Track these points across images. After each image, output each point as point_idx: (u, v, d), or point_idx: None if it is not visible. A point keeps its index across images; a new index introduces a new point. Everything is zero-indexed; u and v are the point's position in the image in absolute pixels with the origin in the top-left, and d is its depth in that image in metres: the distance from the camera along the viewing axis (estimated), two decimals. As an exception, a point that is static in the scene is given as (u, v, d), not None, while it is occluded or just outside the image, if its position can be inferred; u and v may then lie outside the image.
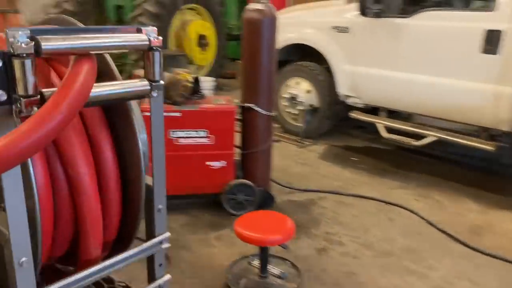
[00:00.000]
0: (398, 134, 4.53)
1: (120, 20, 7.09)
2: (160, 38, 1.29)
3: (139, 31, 1.27)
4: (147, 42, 1.27)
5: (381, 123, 4.62)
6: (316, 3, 5.49)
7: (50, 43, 1.00)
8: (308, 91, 5.19)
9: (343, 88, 4.90)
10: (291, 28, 5.30)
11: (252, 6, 3.31)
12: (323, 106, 5.11)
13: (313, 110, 5.16)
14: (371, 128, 4.96)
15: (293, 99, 5.31)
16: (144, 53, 1.29)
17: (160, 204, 1.43)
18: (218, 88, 7.00)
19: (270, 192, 3.68)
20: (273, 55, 3.41)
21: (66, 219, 1.23)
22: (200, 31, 6.84)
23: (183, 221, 3.44)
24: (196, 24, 6.81)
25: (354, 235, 3.30)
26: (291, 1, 9.66)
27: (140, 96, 1.30)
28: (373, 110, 4.82)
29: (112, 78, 1.29)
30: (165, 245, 1.52)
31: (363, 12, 4.30)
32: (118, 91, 1.21)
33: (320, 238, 3.26)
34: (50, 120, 0.92)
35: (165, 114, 3.22)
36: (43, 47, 0.99)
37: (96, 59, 1.10)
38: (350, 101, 4.90)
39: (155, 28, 1.30)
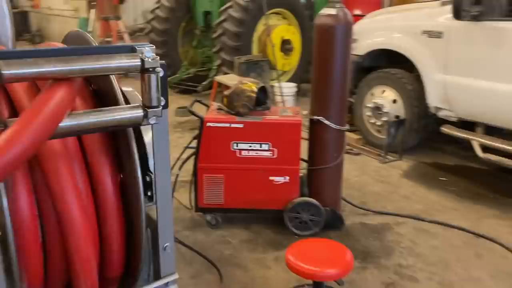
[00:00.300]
0: (497, 154, 3.94)
1: (208, 25, 7.18)
2: (157, 58, 1.12)
3: (133, 50, 1.11)
4: (139, 63, 1.10)
5: (477, 141, 4.05)
6: (406, 5, 5.03)
7: (12, 68, 0.89)
8: (395, 101, 4.75)
9: (434, 99, 4.39)
10: (378, 32, 4.91)
11: (325, 11, 3.05)
12: (411, 118, 4.64)
13: (399, 122, 4.70)
14: (467, 144, 4.39)
15: (377, 109, 4.91)
16: (141, 75, 1.12)
17: (166, 241, 1.26)
18: (301, 94, 6.78)
19: (339, 212, 3.38)
20: (347, 65, 3.11)
21: (57, 258, 1.11)
22: (284, 36, 6.67)
23: (242, 236, 3.28)
24: (280, 29, 6.65)
25: (432, 271, 2.88)
26: (389, 2, 9.10)
27: (131, 124, 1.14)
28: (468, 125, 4.25)
29: (114, 101, 1.15)
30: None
31: (458, 15, 3.78)
32: (100, 119, 1.07)
33: (390, 270, 2.90)
34: (3, 155, 0.80)
35: (227, 125, 3.13)
36: (2, 72, 0.87)
37: (75, 84, 0.96)
38: (441, 114, 4.38)
39: (153, 47, 1.14)
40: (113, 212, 1.17)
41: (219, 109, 3.25)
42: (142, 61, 1.10)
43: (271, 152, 3.15)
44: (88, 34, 1.23)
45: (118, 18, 8.79)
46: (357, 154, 4.91)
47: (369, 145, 5.06)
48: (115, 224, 1.18)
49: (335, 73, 3.09)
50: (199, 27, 7.38)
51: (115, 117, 1.09)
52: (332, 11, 3.00)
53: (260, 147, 3.14)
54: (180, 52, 7.63)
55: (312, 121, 3.21)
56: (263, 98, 3.22)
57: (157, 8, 7.39)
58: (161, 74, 1.13)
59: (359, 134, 5.20)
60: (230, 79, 5.39)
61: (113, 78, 1.17)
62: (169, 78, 7.61)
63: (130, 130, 1.17)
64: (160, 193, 1.20)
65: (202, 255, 3.03)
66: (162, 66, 1.13)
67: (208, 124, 3.12)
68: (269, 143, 3.13)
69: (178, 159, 3.43)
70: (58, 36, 13.17)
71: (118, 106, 1.14)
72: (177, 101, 7.00)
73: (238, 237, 3.27)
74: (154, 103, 1.12)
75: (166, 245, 1.26)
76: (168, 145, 1.19)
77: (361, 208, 3.64)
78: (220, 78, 5.54)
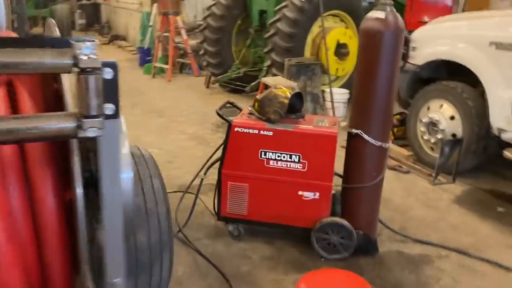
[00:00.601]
0: None
1: (263, 25, 6.98)
2: (95, 57, 0.91)
3: (67, 45, 0.90)
4: (69, 62, 0.90)
5: (546, 170, 3.55)
6: (475, 13, 4.54)
7: None
8: (452, 118, 4.30)
9: (497, 119, 3.92)
10: (439, 40, 4.47)
11: (372, 13, 2.74)
12: (469, 137, 4.17)
13: (455, 141, 4.25)
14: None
15: (433, 124, 4.48)
16: (77, 76, 0.92)
17: (115, 276, 1.05)
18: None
19: (373, 237, 3.05)
20: (394, 76, 2.78)
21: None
22: (340, 40, 6.33)
23: (264, 252, 3.05)
24: (336, 32, 6.31)
25: (473, 319, 2.50)
26: (461, 9, 8.45)
27: (60, 136, 0.94)
28: (536, 151, 3.75)
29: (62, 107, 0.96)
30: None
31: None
32: (13, 128, 0.87)
33: (423, 312, 2.55)
34: None
35: (256, 131, 2.90)
36: None
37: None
38: (505, 136, 3.89)
39: (96, 42, 0.93)
40: (54, 235, 0.99)
41: (251, 113, 3.04)
42: (76, 59, 0.90)
43: (302, 165, 2.89)
44: (62, 27, 1.06)
45: (176, 13, 8.82)
46: (406, 172, 4.51)
47: (420, 163, 4.64)
48: (56, 249, 1.00)
49: (380, 83, 2.77)
50: (253, 26, 7.21)
51: (36, 127, 0.89)
52: (381, 15, 2.69)
53: (290, 158, 2.89)
54: (233, 50, 7.51)
55: (350, 134, 2.91)
56: (298, 105, 2.97)
57: (214, 5, 7.31)
58: (107, 76, 0.92)
59: (411, 150, 4.78)
60: (277, 81, 5.16)
61: (62, 76, 0.99)
62: (219, 77, 7.55)
63: (73, 140, 0.98)
64: (108, 219, 1.00)
65: (217, 268, 2.84)
66: (109, 65, 0.92)
67: (236, 129, 2.92)
68: (300, 154, 2.87)
69: (208, 160, 3.25)
70: (123, 28, 13.61)
71: (44, 114, 0.95)
72: (225, 99, 6.85)
73: (259, 253, 3.04)
74: (93, 111, 0.91)
75: (115, 280, 1.05)
76: (119, 162, 0.98)
77: (400, 234, 3.28)
78: (266, 79, 5.33)
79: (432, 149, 4.54)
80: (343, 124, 3.04)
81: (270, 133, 2.88)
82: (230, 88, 7.42)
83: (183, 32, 8.70)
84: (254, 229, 3.20)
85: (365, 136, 2.83)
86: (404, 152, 4.79)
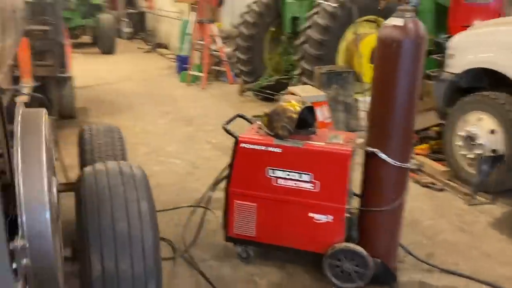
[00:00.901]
0: None
1: (296, 32, 6.78)
2: None
3: None
4: None
5: None
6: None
7: None
8: (492, 132, 3.92)
9: (544, 134, 3.52)
10: (479, 47, 4.11)
11: (390, 21, 2.49)
12: (511, 154, 3.78)
13: (495, 158, 3.86)
14: None
15: (470, 139, 4.10)
16: None
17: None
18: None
19: (392, 267, 2.77)
20: (414, 89, 2.51)
21: None
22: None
23: (273, 277, 2.85)
24: (371, 38, 5.97)
25: None
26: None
27: None
28: None
29: None
30: None
31: None
32: None
33: None
34: None
35: (263, 148, 2.72)
36: None
37: None
38: (552, 153, 3.49)
39: None
40: None
41: (260, 128, 2.86)
42: None
43: (313, 185, 2.68)
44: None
45: (212, 21, 8.78)
46: (440, 190, 4.16)
47: (457, 180, 4.26)
48: None
49: (398, 98, 2.51)
50: (286, 33, 7.02)
51: None
52: (400, 22, 2.43)
53: (300, 177, 2.69)
54: (265, 58, 7.36)
55: (366, 153, 2.67)
56: (310, 120, 2.76)
57: (247, 12, 7.20)
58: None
59: (447, 165, 4.42)
60: (304, 91, 4.95)
61: None
62: (250, 84, 7.42)
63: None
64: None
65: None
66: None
67: (242, 144, 2.75)
68: (311, 174, 2.66)
69: (217, 177, 3.10)
70: (165, 36, 13.80)
71: None
72: (257, 108, 6.73)
73: (268, 278, 2.84)
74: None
75: None
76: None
77: (425, 262, 2.97)
78: (293, 88, 5.11)
79: (470, 165, 4.16)
80: (360, 140, 2.79)
81: (279, 150, 2.68)
82: (263, 96, 7.27)
83: (218, 39, 8.65)
84: (265, 251, 3.01)
85: (383, 156, 2.57)
86: (440, 167, 4.43)
